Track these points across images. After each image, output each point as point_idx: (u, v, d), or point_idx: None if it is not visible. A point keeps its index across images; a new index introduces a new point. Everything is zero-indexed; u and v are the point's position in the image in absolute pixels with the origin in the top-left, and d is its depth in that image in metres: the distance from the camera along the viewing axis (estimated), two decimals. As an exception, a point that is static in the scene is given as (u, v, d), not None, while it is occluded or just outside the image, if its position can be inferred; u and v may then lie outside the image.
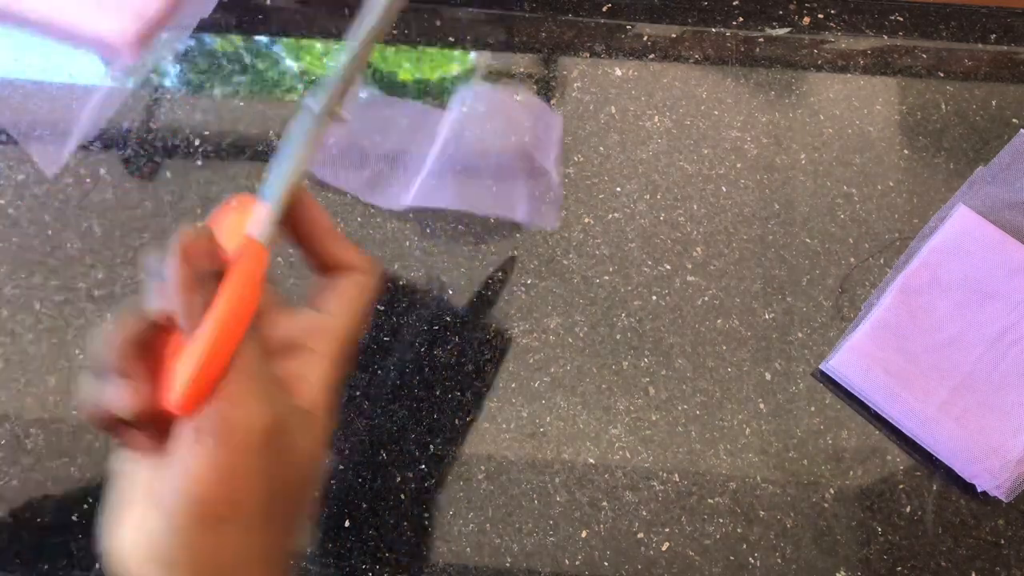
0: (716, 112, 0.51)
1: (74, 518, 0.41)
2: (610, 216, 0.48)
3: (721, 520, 0.42)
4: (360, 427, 0.43)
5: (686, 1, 0.54)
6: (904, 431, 0.43)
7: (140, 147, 0.49)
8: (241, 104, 0.51)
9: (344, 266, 0.30)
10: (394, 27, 0.53)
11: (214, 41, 0.53)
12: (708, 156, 0.50)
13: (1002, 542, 0.42)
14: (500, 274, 0.47)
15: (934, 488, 0.43)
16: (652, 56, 0.53)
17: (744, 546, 0.42)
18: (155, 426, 0.26)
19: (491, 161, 0.48)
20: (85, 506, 0.41)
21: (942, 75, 0.53)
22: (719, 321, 0.46)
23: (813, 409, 0.44)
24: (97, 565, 0.40)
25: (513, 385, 0.45)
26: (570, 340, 0.46)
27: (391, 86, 0.52)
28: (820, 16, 0.54)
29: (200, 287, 0.25)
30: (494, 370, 0.45)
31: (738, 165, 0.50)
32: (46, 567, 0.40)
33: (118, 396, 0.25)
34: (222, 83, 0.51)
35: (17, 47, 0.51)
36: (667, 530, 0.42)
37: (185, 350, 0.25)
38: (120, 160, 0.49)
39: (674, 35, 0.53)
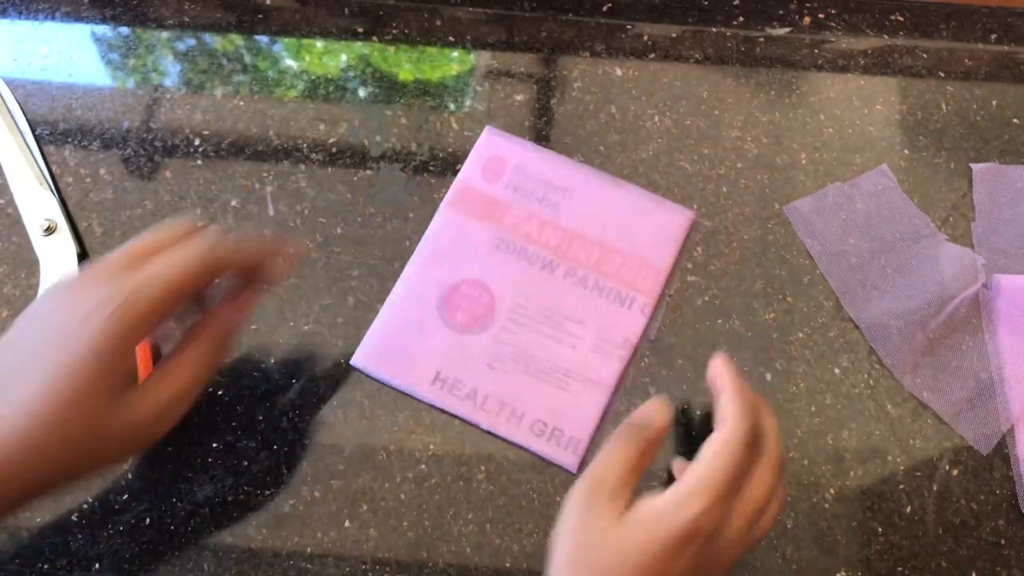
0: (716, 112, 0.51)
1: (74, 518, 0.41)
2: (610, 216, 0.48)
3: (721, 520, 0.42)
4: (360, 427, 0.43)
5: (686, 1, 0.54)
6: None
7: (140, 147, 0.49)
8: (241, 104, 0.51)
9: None
10: (394, 27, 0.53)
11: (214, 41, 0.53)
12: (708, 156, 0.50)
13: (1002, 542, 0.42)
14: (500, 274, 0.47)
15: (934, 488, 0.43)
16: (652, 56, 0.53)
17: (744, 546, 0.42)
18: None
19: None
20: (85, 506, 0.41)
21: (942, 75, 0.53)
22: (719, 321, 0.46)
23: (813, 409, 0.44)
24: (97, 565, 0.40)
25: (513, 385, 0.45)
26: (570, 340, 0.46)
27: (391, 86, 0.52)
28: (820, 16, 0.54)
29: None
30: (494, 370, 0.45)
31: (738, 165, 0.50)
32: (46, 567, 0.40)
33: None
34: (222, 83, 0.51)
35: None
36: (667, 530, 0.42)
37: None
38: (120, 160, 0.49)
39: (674, 35, 0.53)
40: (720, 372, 0.37)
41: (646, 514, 0.32)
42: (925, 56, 0.53)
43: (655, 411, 0.35)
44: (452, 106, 0.51)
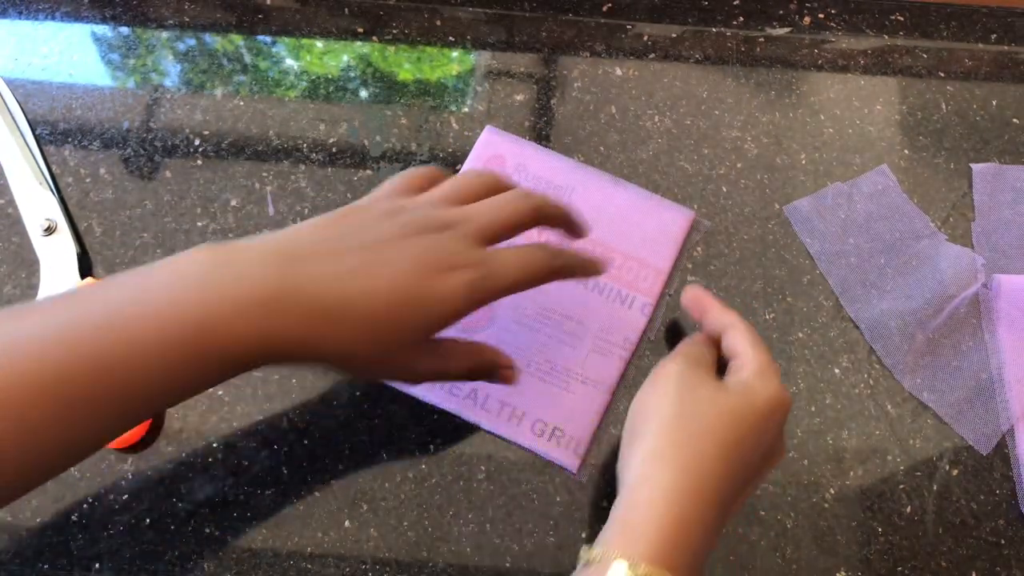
0: (716, 112, 0.51)
1: (74, 518, 0.41)
2: (610, 216, 0.48)
3: (721, 520, 0.42)
4: (360, 427, 0.43)
5: (686, 1, 0.54)
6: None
7: (140, 147, 0.49)
8: (241, 104, 0.51)
9: None
10: (394, 27, 0.53)
11: (214, 41, 0.53)
12: (708, 156, 0.50)
13: (1003, 542, 0.42)
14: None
15: (934, 488, 0.43)
16: (652, 56, 0.53)
17: (744, 546, 0.42)
18: None
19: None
20: (85, 506, 0.41)
21: (942, 75, 0.53)
22: (719, 321, 0.46)
23: (813, 409, 0.44)
24: (97, 565, 0.40)
25: (513, 385, 0.45)
26: (570, 340, 0.46)
27: (391, 86, 0.52)
28: (820, 16, 0.54)
29: None
30: (494, 370, 0.45)
31: (738, 165, 0.50)
32: (46, 567, 0.40)
33: None
34: (222, 83, 0.51)
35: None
36: (667, 530, 0.42)
37: None
38: (120, 160, 0.49)
39: (674, 35, 0.53)
40: (700, 301, 0.41)
41: (739, 386, 0.35)
42: (925, 56, 0.53)
43: (711, 315, 0.41)
44: (452, 106, 0.51)
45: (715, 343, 0.40)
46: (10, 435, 0.26)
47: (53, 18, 0.53)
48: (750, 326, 0.39)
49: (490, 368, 0.37)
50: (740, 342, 0.38)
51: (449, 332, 0.43)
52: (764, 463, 0.36)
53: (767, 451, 0.35)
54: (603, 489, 0.43)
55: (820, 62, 0.53)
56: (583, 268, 0.39)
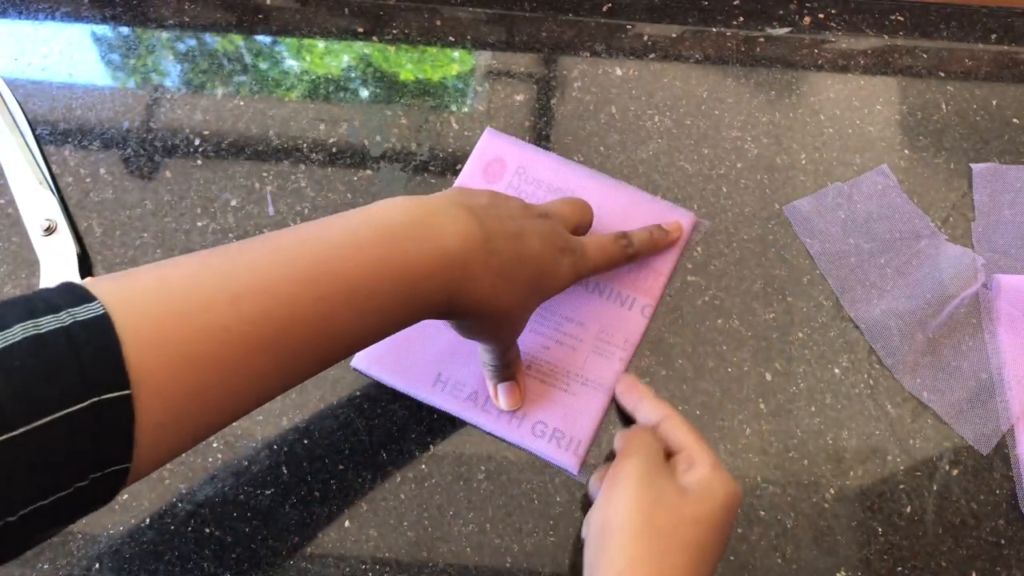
0: (716, 112, 0.51)
1: (74, 518, 0.41)
2: (610, 216, 0.48)
3: (721, 520, 0.42)
4: (360, 427, 0.43)
5: (686, 1, 0.54)
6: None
7: (140, 147, 0.49)
8: (241, 104, 0.51)
9: None
10: (394, 27, 0.53)
11: (214, 41, 0.53)
12: (708, 156, 0.50)
13: (1002, 542, 0.42)
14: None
15: (934, 488, 0.43)
16: (652, 56, 0.53)
17: (744, 546, 0.42)
18: None
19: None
20: (85, 506, 0.41)
21: (942, 75, 0.53)
22: (719, 321, 0.46)
23: (813, 409, 0.44)
24: (97, 565, 0.40)
25: (513, 385, 0.45)
26: (570, 340, 0.45)
27: (391, 86, 0.52)
28: (820, 16, 0.54)
29: None
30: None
31: (738, 165, 0.50)
32: (46, 567, 0.40)
33: None
34: (222, 83, 0.51)
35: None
36: (667, 530, 0.42)
37: None
38: (120, 160, 0.49)
39: (674, 35, 0.53)
40: (633, 390, 0.43)
41: (699, 488, 0.36)
42: (925, 56, 0.53)
43: (643, 406, 0.42)
44: (452, 106, 0.51)
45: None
46: (270, 368, 0.29)
47: (53, 18, 0.53)
48: (683, 416, 0.40)
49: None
50: (682, 435, 0.38)
51: (450, 336, 0.44)
52: (721, 554, 0.36)
53: (726, 543, 0.36)
54: (603, 489, 0.43)
55: (820, 62, 0.53)
56: (653, 246, 0.45)
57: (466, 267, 0.33)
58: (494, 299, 0.34)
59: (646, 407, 0.41)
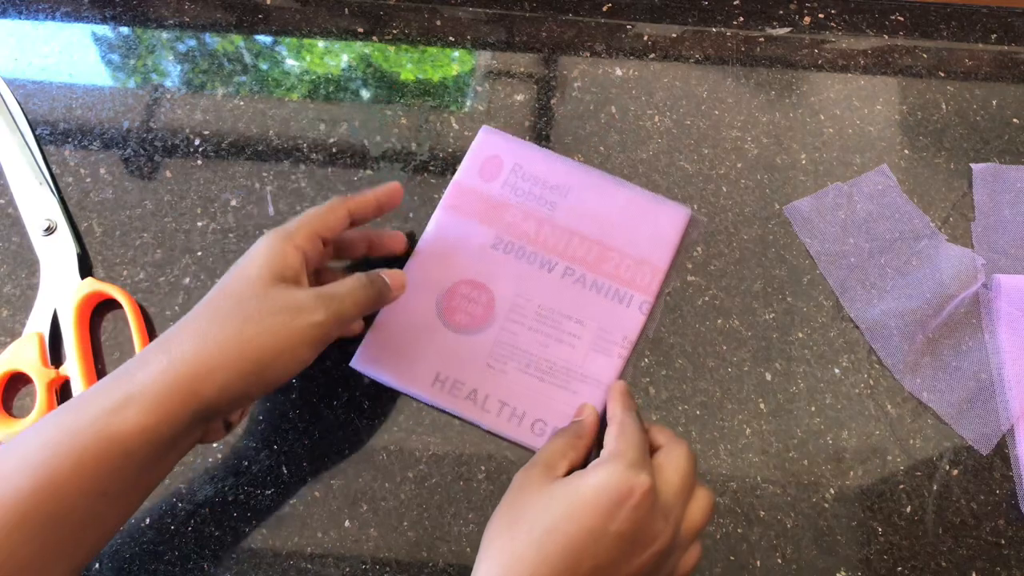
0: (716, 112, 0.51)
1: (74, 518, 0.41)
2: (610, 216, 0.48)
3: (721, 520, 0.42)
4: (360, 427, 0.43)
5: (686, 1, 0.54)
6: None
7: (140, 147, 0.49)
8: (241, 104, 0.51)
9: None
10: (394, 27, 0.53)
11: (214, 41, 0.53)
12: (708, 156, 0.50)
13: (1002, 542, 0.42)
14: (500, 274, 0.47)
15: (934, 488, 0.43)
16: (652, 56, 0.53)
17: (744, 546, 0.42)
18: None
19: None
20: (85, 506, 0.41)
21: (942, 75, 0.53)
22: (719, 321, 0.46)
23: (813, 409, 0.44)
24: (97, 565, 0.40)
25: (513, 385, 0.45)
26: (570, 340, 0.45)
27: (391, 86, 0.52)
28: (820, 16, 0.54)
29: None
30: (494, 370, 0.45)
31: (738, 165, 0.50)
32: (46, 567, 0.40)
33: None
34: (222, 83, 0.51)
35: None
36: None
37: None
38: (120, 160, 0.49)
39: (674, 35, 0.53)
40: (612, 391, 0.42)
41: (573, 478, 0.36)
42: (925, 56, 0.53)
43: (586, 411, 0.42)
44: (452, 106, 0.51)
45: (569, 437, 0.40)
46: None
47: (53, 18, 0.53)
48: (634, 421, 0.39)
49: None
50: (610, 436, 0.38)
51: (448, 334, 0.43)
52: (637, 548, 0.34)
53: (630, 535, 0.33)
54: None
55: (820, 62, 0.53)
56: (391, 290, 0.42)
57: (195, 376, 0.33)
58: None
59: (610, 407, 0.41)
